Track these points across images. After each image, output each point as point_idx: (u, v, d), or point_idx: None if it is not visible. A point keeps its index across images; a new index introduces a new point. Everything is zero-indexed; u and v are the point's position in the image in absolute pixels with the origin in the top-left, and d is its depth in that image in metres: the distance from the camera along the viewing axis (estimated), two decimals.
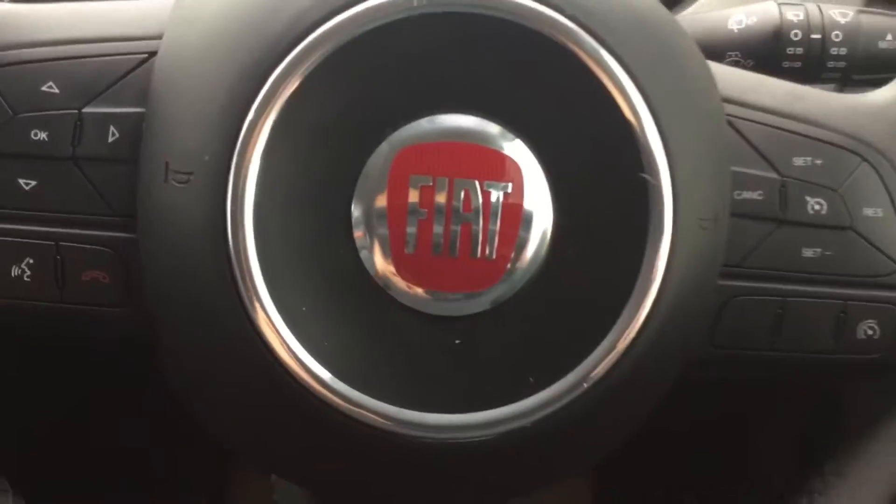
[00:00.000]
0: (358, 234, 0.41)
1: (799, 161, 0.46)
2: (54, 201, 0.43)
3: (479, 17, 0.40)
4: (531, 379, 0.42)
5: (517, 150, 0.42)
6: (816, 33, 0.57)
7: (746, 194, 0.46)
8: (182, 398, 0.46)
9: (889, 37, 0.58)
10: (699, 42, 0.59)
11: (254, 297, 0.40)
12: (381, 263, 0.42)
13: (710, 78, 0.46)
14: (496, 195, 0.41)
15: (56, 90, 0.43)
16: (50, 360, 0.75)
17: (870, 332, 0.47)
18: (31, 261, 0.43)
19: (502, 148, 0.41)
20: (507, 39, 0.41)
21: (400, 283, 0.42)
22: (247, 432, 0.46)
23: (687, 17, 0.62)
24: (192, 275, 0.41)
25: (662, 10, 0.47)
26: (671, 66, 0.44)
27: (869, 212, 0.46)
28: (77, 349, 0.65)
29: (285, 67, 0.40)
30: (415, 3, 0.40)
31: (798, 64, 0.58)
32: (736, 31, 0.59)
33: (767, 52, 0.58)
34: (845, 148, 0.47)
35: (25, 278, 0.43)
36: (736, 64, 0.59)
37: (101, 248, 0.43)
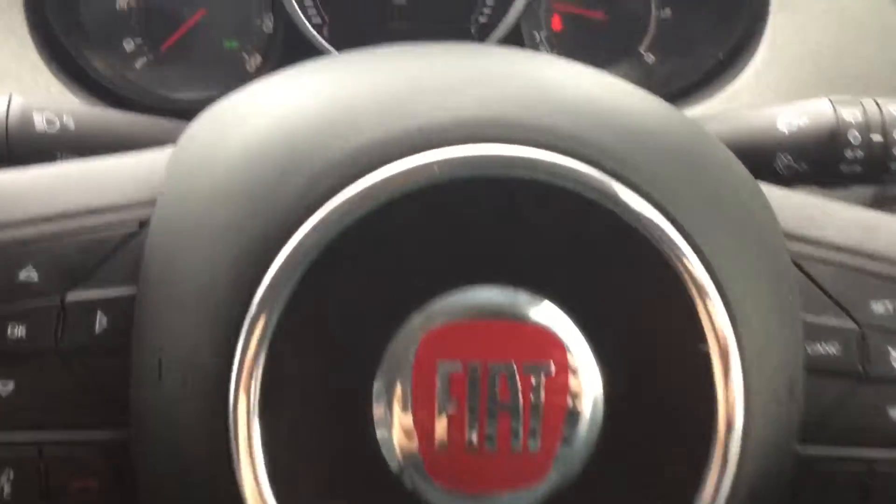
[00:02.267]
0: (379, 431, 0.36)
1: (878, 307, 0.41)
2: (36, 403, 0.38)
3: (509, 181, 0.35)
4: None
5: (556, 322, 0.36)
6: (877, 133, 0.52)
7: (821, 348, 0.40)
8: None
9: None
10: (747, 143, 0.54)
11: None
12: (405, 461, 0.36)
13: (771, 216, 0.40)
14: (536, 378, 0.36)
15: (35, 277, 0.38)
16: None
17: None
18: (12, 473, 0.38)
19: (539, 322, 0.36)
20: (538, 201, 0.36)
21: (427, 482, 0.36)
22: None
23: (730, 114, 0.56)
24: (194, 481, 0.36)
25: (708, 139, 0.41)
26: (726, 209, 0.39)
27: None
28: None
29: (294, 249, 0.35)
30: (436, 170, 0.35)
31: (858, 168, 0.52)
32: (787, 132, 0.53)
33: (823, 155, 0.52)
34: None
35: (5, 496, 0.38)
36: (788, 168, 0.53)
37: (90, 453, 0.38)
